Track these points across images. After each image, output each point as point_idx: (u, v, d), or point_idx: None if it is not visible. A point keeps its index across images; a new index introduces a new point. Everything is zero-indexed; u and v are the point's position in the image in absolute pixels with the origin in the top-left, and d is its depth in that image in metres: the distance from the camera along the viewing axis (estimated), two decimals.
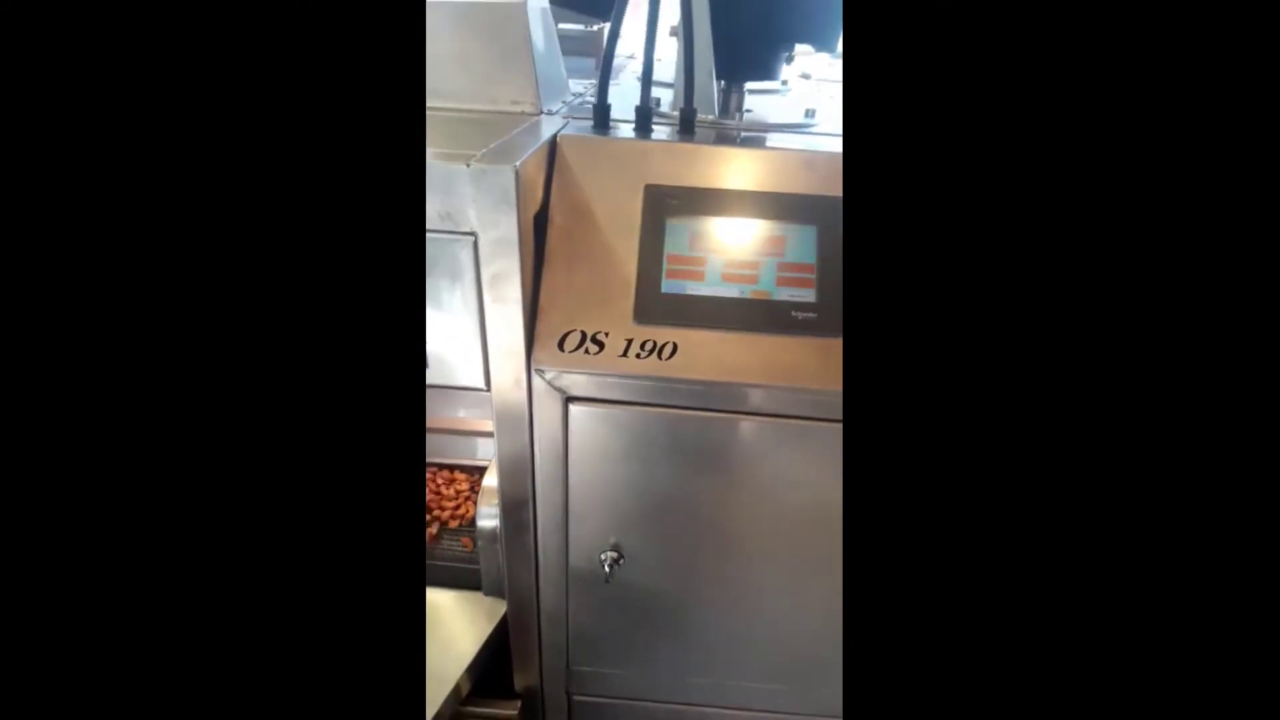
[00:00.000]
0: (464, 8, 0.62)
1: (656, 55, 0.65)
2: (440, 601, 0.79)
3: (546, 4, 0.70)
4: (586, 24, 1.15)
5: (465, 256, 0.51)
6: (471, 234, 0.50)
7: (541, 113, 0.66)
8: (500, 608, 0.76)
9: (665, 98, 0.76)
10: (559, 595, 0.71)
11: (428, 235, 0.50)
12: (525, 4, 0.63)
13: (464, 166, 0.48)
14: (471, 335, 0.55)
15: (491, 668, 0.77)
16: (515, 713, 0.78)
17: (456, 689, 0.72)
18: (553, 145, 0.58)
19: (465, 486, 0.84)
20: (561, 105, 0.72)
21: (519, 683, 0.79)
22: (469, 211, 0.49)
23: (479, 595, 0.79)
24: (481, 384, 0.57)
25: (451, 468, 0.88)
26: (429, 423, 0.88)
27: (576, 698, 0.80)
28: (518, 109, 0.66)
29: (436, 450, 0.88)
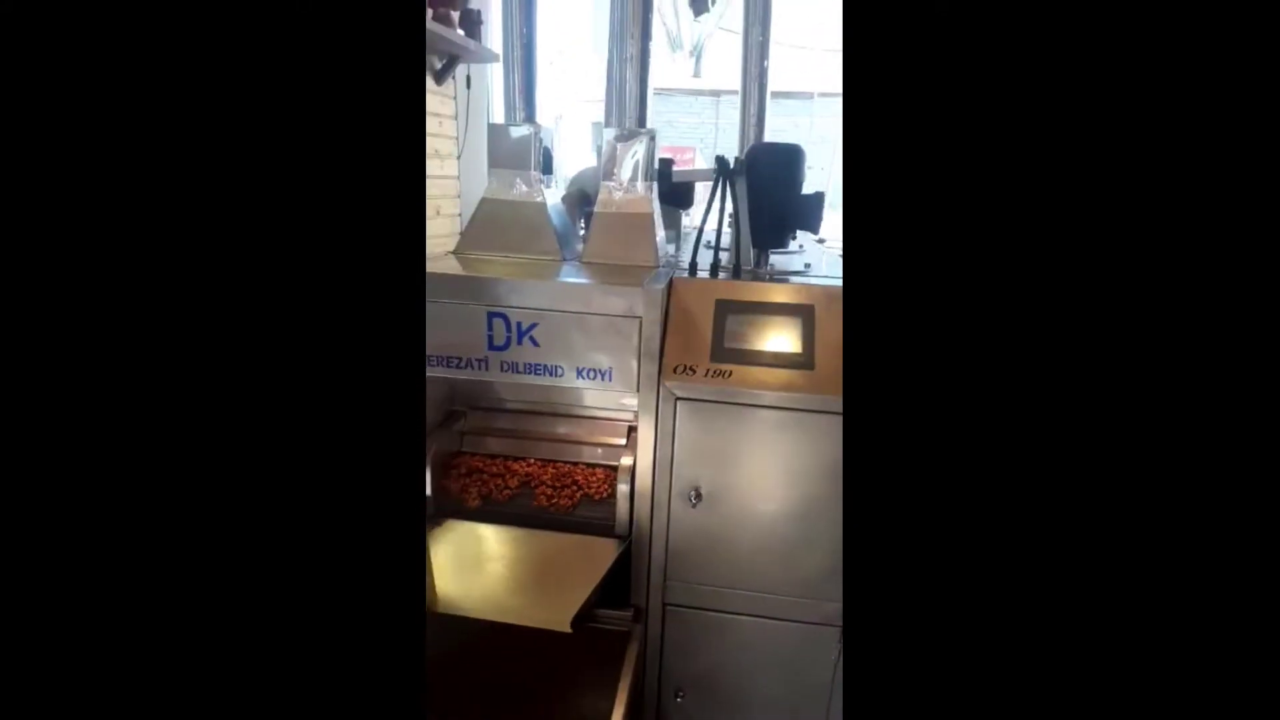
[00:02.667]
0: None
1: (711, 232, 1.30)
2: (585, 542, 1.30)
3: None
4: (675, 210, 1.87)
5: (634, 328, 1.12)
6: (638, 318, 1.11)
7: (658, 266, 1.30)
8: (620, 547, 1.27)
9: (724, 258, 1.40)
10: (663, 527, 1.22)
11: (620, 319, 1.11)
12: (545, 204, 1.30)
13: (639, 287, 1.10)
14: (631, 367, 1.14)
15: (613, 587, 1.26)
16: (629, 615, 1.26)
17: (589, 599, 1.22)
18: (670, 282, 1.21)
19: (601, 475, 1.39)
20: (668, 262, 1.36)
21: (633, 597, 1.27)
22: (639, 307, 1.10)
23: (607, 540, 1.30)
24: (635, 388, 1.15)
25: (593, 465, 1.43)
26: (587, 435, 1.45)
27: (669, 606, 1.27)
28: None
29: (586, 456, 1.45)
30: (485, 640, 1.29)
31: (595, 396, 1.47)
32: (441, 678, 1.36)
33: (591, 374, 1.15)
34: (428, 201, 2.20)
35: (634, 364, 1.13)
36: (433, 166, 2.21)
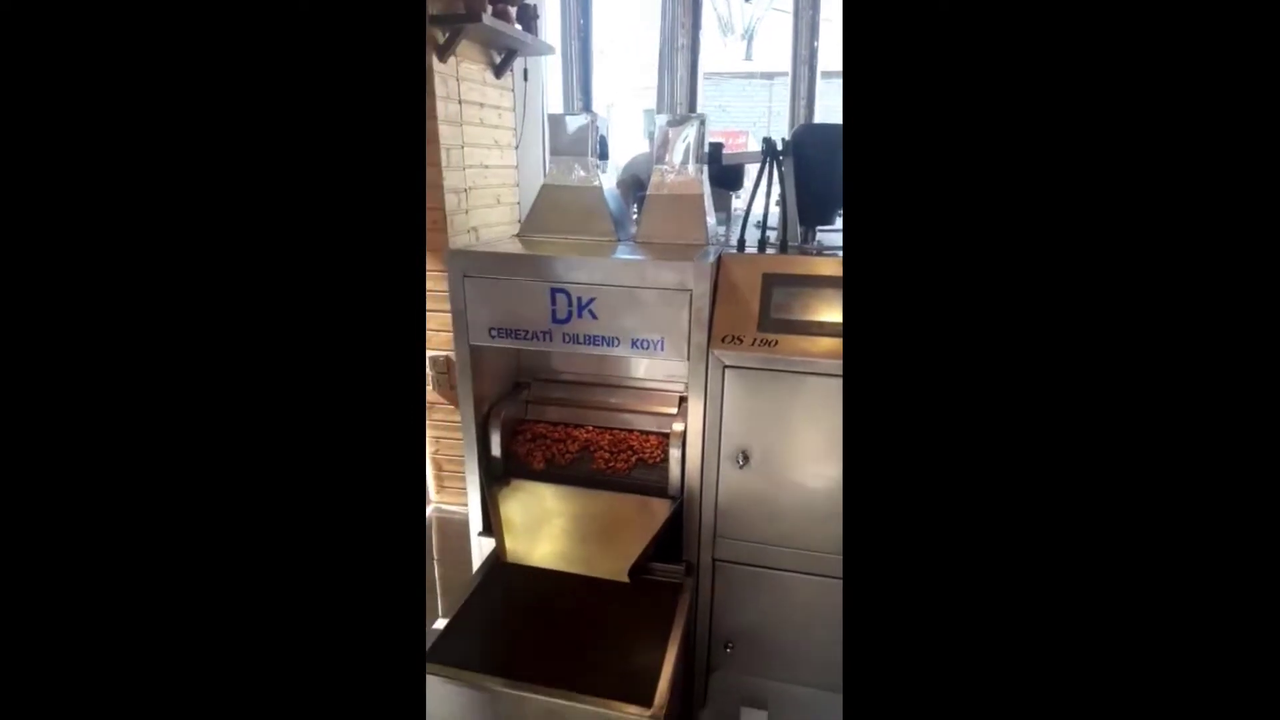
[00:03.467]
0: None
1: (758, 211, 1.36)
2: (640, 502, 1.40)
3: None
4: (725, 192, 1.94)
5: (685, 300, 1.20)
6: (689, 290, 1.20)
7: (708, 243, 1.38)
8: (673, 506, 1.36)
9: (772, 235, 1.46)
10: (712, 487, 1.31)
11: (672, 292, 1.20)
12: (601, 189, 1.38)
13: (690, 261, 1.18)
14: (682, 337, 1.23)
15: (666, 544, 1.36)
16: (682, 569, 1.35)
17: (645, 552, 1.32)
18: (719, 257, 1.28)
19: (655, 441, 1.49)
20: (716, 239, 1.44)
21: (685, 553, 1.37)
22: (689, 281, 1.19)
23: (661, 500, 1.39)
24: (685, 357, 1.24)
25: (646, 432, 1.53)
26: (640, 404, 1.55)
27: (718, 562, 1.36)
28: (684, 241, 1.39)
29: (640, 424, 1.55)
30: (547, 590, 1.42)
31: (648, 368, 1.56)
32: (505, 626, 1.50)
33: (645, 344, 1.24)
34: (489, 190, 2.33)
35: (685, 334, 1.22)
36: (493, 156, 2.34)
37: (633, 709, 1.01)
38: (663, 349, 1.24)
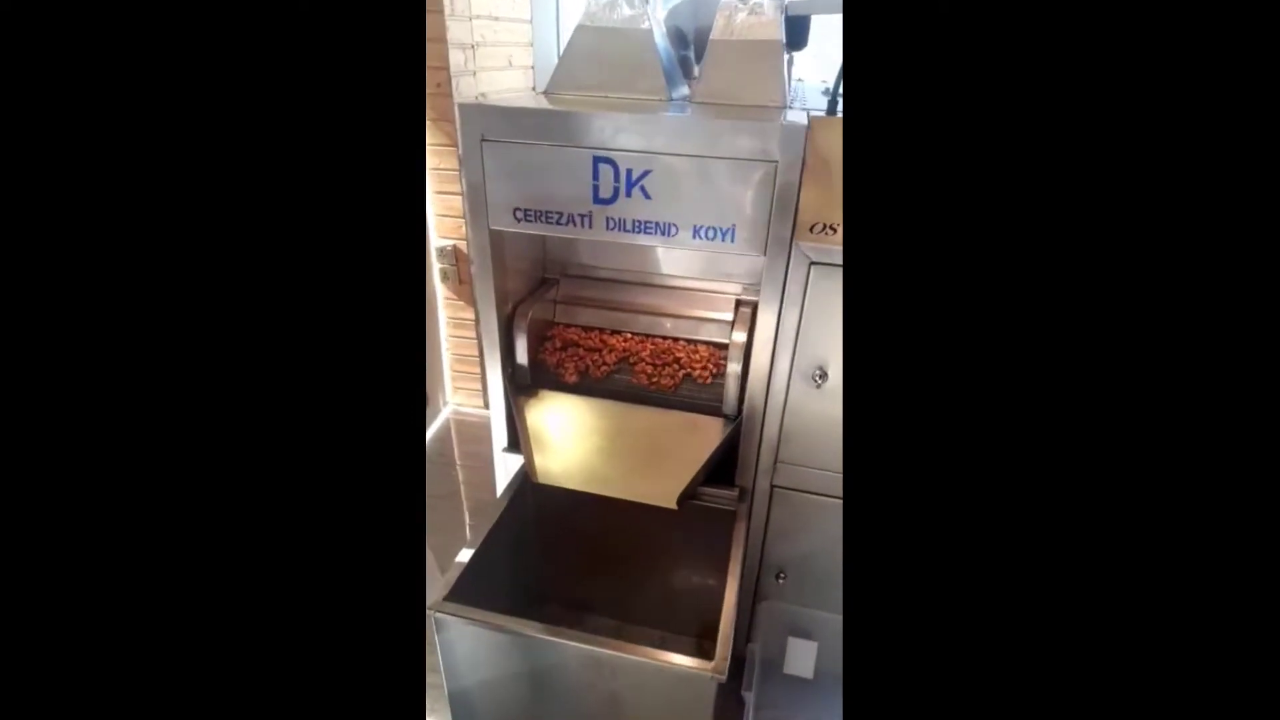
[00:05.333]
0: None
1: None
2: (689, 420, 1.21)
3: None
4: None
5: (767, 175, 0.94)
6: (773, 162, 0.93)
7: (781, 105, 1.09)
8: (727, 428, 1.17)
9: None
10: (779, 408, 1.11)
11: (751, 163, 0.94)
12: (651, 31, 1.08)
13: (776, 123, 0.91)
14: (759, 224, 0.97)
15: (717, 466, 1.18)
16: (735, 494, 1.19)
17: (697, 475, 1.14)
18: (810, 122, 1.00)
19: (705, 354, 1.27)
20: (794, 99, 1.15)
21: (738, 478, 1.20)
22: (774, 148, 0.92)
23: (713, 418, 1.20)
24: (760, 252, 0.99)
25: (694, 342, 1.31)
26: (687, 308, 1.32)
27: (776, 488, 1.19)
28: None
29: (687, 331, 1.32)
30: (583, 516, 1.26)
31: (700, 264, 1.32)
32: (539, 557, 1.37)
33: (710, 233, 1.00)
34: (500, 50, 1.97)
35: (764, 220, 0.97)
36: (504, 5, 1.96)
37: (691, 662, 0.87)
38: (732, 239, 0.99)
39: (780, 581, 1.28)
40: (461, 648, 0.95)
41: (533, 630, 0.90)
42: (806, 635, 1.33)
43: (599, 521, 1.29)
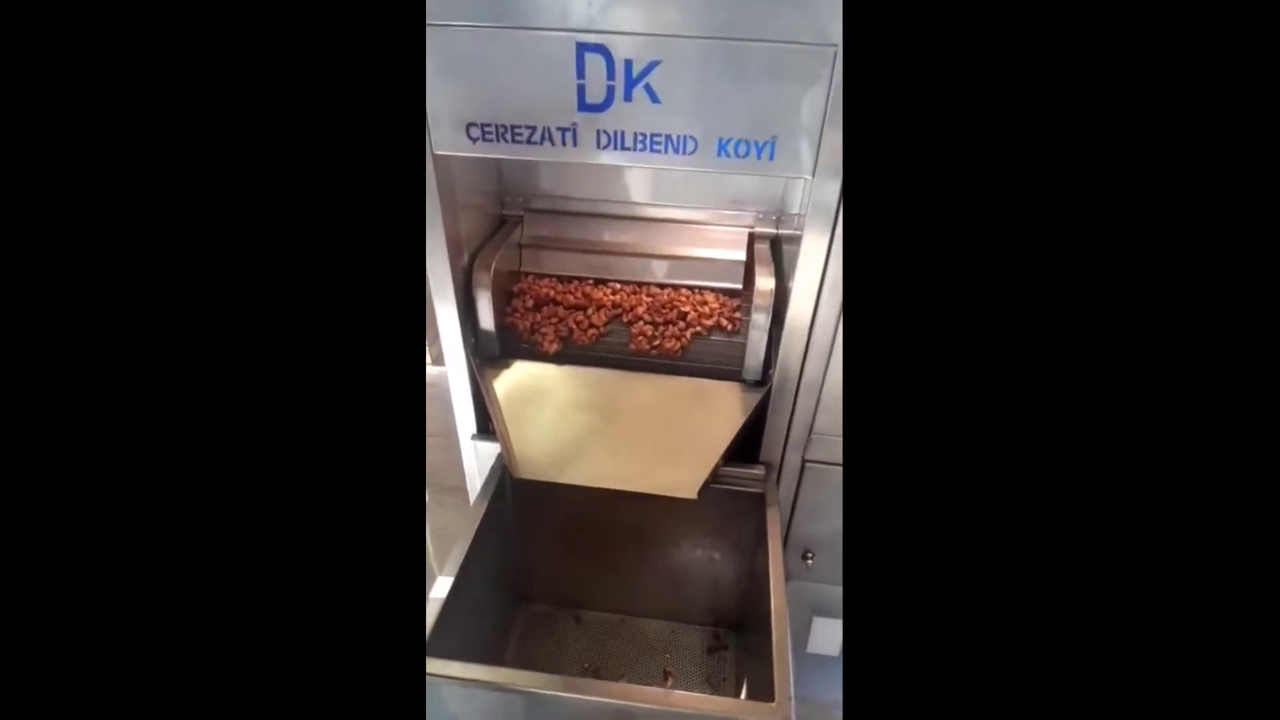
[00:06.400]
0: None
1: None
2: (700, 387, 0.99)
3: None
4: None
5: (821, 66, 0.68)
6: (832, 45, 0.67)
7: None
8: (751, 397, 0.96)
9: None
10: (819, 371, 0.90)
11: (802, 49, 0.67)
12: None
13: None
14: (809, 135, 0.72)
15: (745, 442, 0.98)
16: (762, 474, 0.99)
17: (721, 458, 0.94)
18: None
19: (715, 305, 1.03)
20: None
21: (764, 453, 1.00)
22: (833, 28, 0.66)
23: (730, 384, 0.98)
24: (810, 170, 0.74)
25: (700, 289, 1.07)
26: (691, 246, 1.07)
27: (808, 463, 1.01)
28: None
29: (689, 275, 1.08)
30: (582, 517, 1.05)
31: (700, 189, 1.06)
32: (534, 575, 1.14)
33: (741, 149, 0.74)
34: None
35: (816, 128, 0.72)
36: None
37: (749, 707, 0.69)
38: (771, 156, 0.74)
39: (808, 562, 1.12)
40: (455, 709, 0.73)
41: (545, 687, 0.70)
42: (833, 614, 1.19)
43: (605, 522, 1.08)
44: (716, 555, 1.11)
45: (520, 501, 1.05)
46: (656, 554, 1.13)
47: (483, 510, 0.92)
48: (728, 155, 0.75)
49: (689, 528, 1.09)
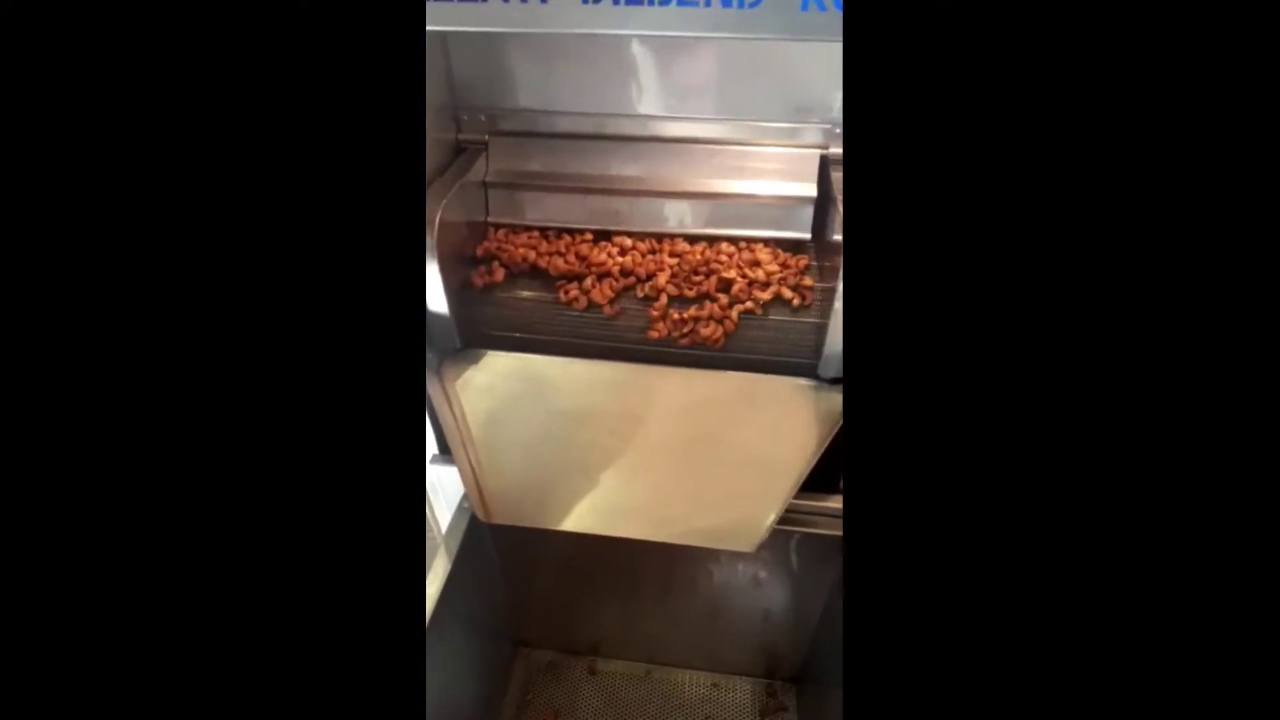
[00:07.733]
0: None
1: None
2: (753, 386, 0.68)
3: None
4: None
5: None
6: None
7: None
8: (832, 400, 0.65)
9: None
10: None
11: None
12: None
13: None
14: None
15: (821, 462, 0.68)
16: (835, 505, 0.69)
17: (797, 481, 0.64)
18: None
19: (773, 266, 0.71)
20: None
21: (843, 482, 0.70)
22: None
23: (800, 381, 0.67)
24: None
25: (748, 241, 0.74)
26: (750, 174, 0.74)
27: None
28: None
29: (737, 219, 0.75)
30: (585, 566, 0.77)
31: (740, 88, 0.72)
32: (513, 588, 0.88)
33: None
34: None
35: None
36: None
37: None
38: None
39: None
40: None
41: None
42: None
43: (603, 550, 0.80)
44: (768, 582, 0.83)
45: (503, 545, 0.77)
46: (691, 589, 0.85)
47: (456, 546, 0.64)
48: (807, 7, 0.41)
49: (738, 578, 0.80)
